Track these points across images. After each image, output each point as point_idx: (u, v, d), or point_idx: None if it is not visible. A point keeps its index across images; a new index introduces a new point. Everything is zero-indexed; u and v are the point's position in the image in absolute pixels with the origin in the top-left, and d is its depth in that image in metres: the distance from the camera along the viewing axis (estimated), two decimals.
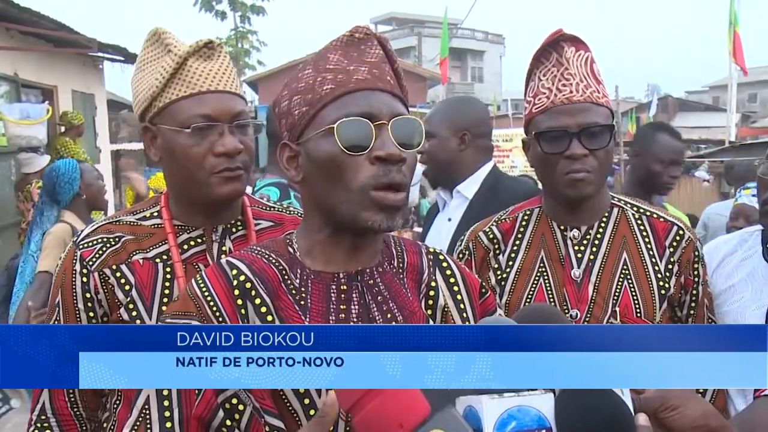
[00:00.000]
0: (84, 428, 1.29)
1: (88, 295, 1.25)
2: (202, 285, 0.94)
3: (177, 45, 1.26)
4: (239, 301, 0.92)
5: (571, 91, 1.35)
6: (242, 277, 0.94)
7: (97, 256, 1.25)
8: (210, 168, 1.21)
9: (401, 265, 1.02)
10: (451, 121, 2.21)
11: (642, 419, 0.76)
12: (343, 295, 0.96)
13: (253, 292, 0.93)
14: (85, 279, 1.25)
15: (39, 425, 1.27)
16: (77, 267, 1.26)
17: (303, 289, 0.95)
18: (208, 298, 0.92)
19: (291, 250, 0.99)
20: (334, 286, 0.96)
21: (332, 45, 0.99)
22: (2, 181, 5.54)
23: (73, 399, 1.27)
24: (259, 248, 1.00)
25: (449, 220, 2.22)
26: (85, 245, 1.27)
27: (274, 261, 0.97)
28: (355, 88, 0.94)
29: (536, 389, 0.74)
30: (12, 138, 5.79)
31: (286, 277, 0.96)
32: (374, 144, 0.91)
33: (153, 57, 1.29)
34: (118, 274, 1.24)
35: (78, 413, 1.28)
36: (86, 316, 1.25)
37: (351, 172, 0.91)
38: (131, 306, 1.23)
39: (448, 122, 2.21)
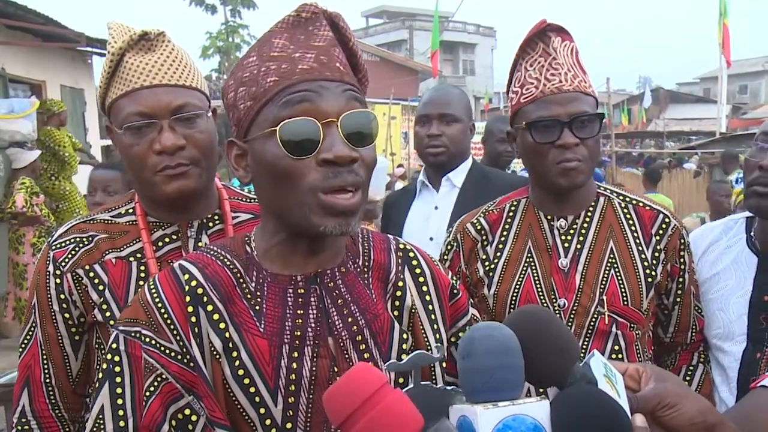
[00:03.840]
0: (67, 430, 1.26)
1: (62, 297, 1.22)
2: (153, 291, 0.90)
3: (113, 42, 1.21)
4: (190, 308, 0.88)
5: (560, 81, 1.34)
6: (194, 283, 0.89)
7: (69, 256, 1.22)
8: (152, 167, 1.17)
9: (366, 263, 0.97)
10: (467, 110, 2.26)
11: (639, 420, 0.75)
12: (300, 299, 0.91)
13: (205, 299, 0.88)
14: (58, 280, 1.22)
15: (20, 428, 1.24)
16: (50, 268, 1.23)
17: (258, 293, 0.90)
18: (159, 305, 0.88)
19: (248, 250, 0.93)
20: (291, 290, 0.91)
21: (277, 27, 0.90)
22: None
23: (54, 401, 1.25)
24: (215, 248, 0.95)
25: (436, 208, 2.22)
26: (58, 246, 1.24)
27: (228, 263, 0.92)
28: (299, 79, 0.85)
29: (531, 397, 0.73)
30: (2, 133, 5.74)
31: (241, 280, 0.91)
32: (322, 145, 0.84)
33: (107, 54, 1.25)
34: (91, 274, 1.21)
35: (60, 414, 1.25)
36: (62, 318, 1.22)
37: (298, 177, 0.84)
38: (105, 306, 1.20)
39: (466, 110, 2.24)
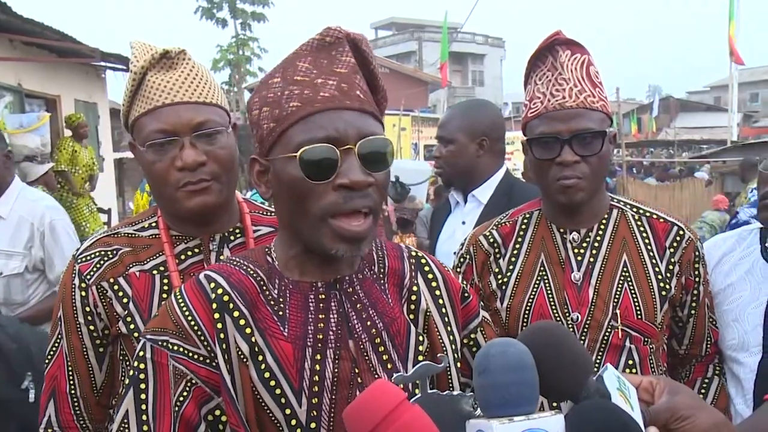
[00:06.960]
0: None
1: (87, 309, 1.25)
2: (180, 301, 0.94)
3: (135, 61, 1.23)
4: (216, 315, 0.92)
5: (563, 97, 1.35)
6: (220, 291, 0.93)
7: (94, 269, 1.25)
8: (174, 183, 1.20)
9: (382, 270, 1.02)
10: (470, 127, 2.21)
11: None
12: (321, 305, 0.95)
13: (231, 305, 0.92)
14: (84, 293, 1.25)
15: None
16: (76, 281, 1.26)
17: (281, 299, 0.95)
18: (186, 314, 0.92)
19: (269, 260, 0.98)
20: (312, 296, 0.95)
21: (302, 50, 0.94)
22: None
23: (78, 411, 1.27)
24: (237, 259, 0.99)
25: (463, 223, 2.23)
26: (83, 259, 1.27)
27: (252, 272, 0.96)
28: (321, 107, 0.90)
29: (546, 411, 0.74)
30: (13, 147, 5.85)
31: (264, 287, 0.95)
32: (339, 170, 0.88)
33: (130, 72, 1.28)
34: (115, 287, 1.24)
35: (84, 425, 1.28)
36: (87, 330, 1.25)
37: (312, 199, 0.89)
38: (129, 319, 1.23)
39: (466, 128, 2.21)
